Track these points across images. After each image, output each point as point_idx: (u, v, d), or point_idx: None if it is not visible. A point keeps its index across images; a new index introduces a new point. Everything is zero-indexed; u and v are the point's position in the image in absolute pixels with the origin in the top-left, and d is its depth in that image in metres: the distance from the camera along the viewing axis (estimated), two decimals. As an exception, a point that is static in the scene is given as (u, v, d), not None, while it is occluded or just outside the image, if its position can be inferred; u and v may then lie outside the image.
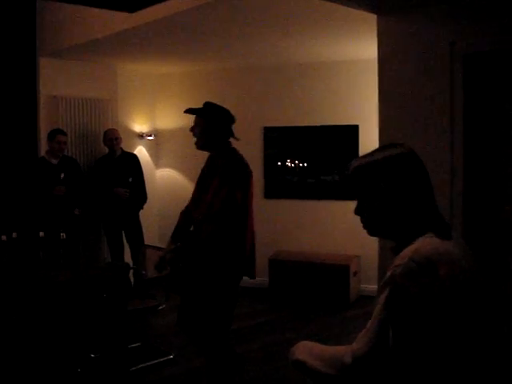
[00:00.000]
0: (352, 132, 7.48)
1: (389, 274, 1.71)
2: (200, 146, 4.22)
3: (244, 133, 8.08)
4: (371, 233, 1.91)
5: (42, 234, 5.02)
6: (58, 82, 7.24)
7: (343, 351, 1.75)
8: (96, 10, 5.55)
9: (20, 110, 6.92)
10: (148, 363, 5.14)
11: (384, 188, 1.81)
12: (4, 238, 4.88)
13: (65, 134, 6.86)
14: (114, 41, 6.24)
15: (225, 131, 4.11)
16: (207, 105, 4.21)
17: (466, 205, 4.07)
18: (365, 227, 1.91)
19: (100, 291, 4.62)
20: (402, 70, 4.32)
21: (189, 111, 4.22)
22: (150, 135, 8.45)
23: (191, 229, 4.20)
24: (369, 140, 7.06)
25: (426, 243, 1.73)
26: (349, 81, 7.52)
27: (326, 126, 7.65)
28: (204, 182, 4.15)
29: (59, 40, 6.68)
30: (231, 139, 4.15)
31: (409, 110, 4.29)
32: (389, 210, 1.82)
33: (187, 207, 4.28)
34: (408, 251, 1.72)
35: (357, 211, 1.90)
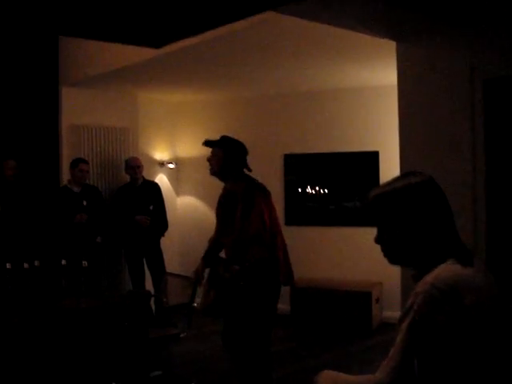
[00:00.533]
0: (372, 158, 7.46)
1: (410, 301, 1.70)
2: (214, 172, 4.56)
3: (265, 160, 8.17)
4: (392, 261, 1.90)
5: (64, 261, 5.03)
6: (80, 111, 7.33)
7: (366, 381, 1.73)
8: (117, 41, 5.64)
9: (43, 139, 7.01)
10: (169, 392, 5.11)
11: (403, 216, 1.80)
12: (26, 265, 4.90)
13: (87, 162, 6.93)
14: (135, 70, 6.32)
15: (240, 162, 4.48)
16: (224, 138, 4.62)
17: (489, 232, 4.03)
18: (385, 255, 1.90)
19: (121, 319, 4.61)
20: (422, 95, 4.31)
21: (207, 144, 4.60)
22: (171, 163, 8.50)
23: (221, 254, 4.61)
24: (389, 166, 7.04)
25: (447, 269, 1.72)
26: (368, 107, 7.52)
27: (346, 153, 7.65)
28: (225, 210, 4.47)
29: (81, 70, 6.78)
30: (245, 170, 4.52)
31: (429, 136, 4.28)
32: (409, 239, 1.82)
33: (215, 235, 4.70)
34: (429, 278, 1.70)
35: (377, 240, 1.89)
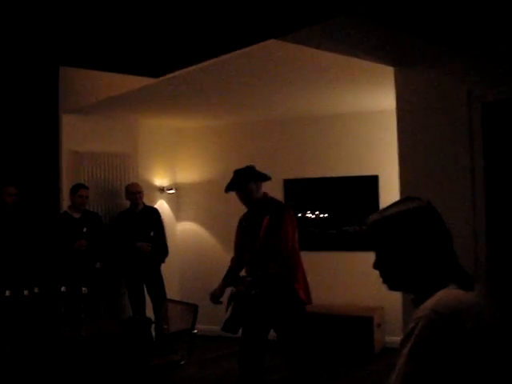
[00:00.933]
0: (372, 182, 7.47)
1: (411, 326, 1.68)
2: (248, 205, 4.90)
3: (264, 185, 8.15)
4: (391, 287, 1.89)
5: (63, 288, 5.01)
6: (80, 138, 7.35)
7: None
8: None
9: (43, 166, 7.02)
10: (170, 420, 5.06)
11: (400, 242, 1.80)
12: (26, 292, 4.88)
13: (86, 188, 6.93)
14: (135, 97, 6.35)
15: (258, 185, 4.84)
16: (237, 174, 4.89)
17: (490, 255, 4.02)
18: (384, 282, 1.89)
19: (122, 346, 4.59)
20: (421, 120, 4.33)
21: (230, 189, 4.90)
22: (171, 189, 8.50)
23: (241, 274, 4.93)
24: (389, 189, 7.05)
25: (448, 294, 1.71)
26: (367, 131, 7.55)
27: (345, 177, 7.66)
28: (251, 230, 4.75)
29: (81, 97, 6.82)
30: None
31: (429, 159, 4.29)
32: (407, 264, 1.81)
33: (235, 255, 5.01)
34: (430, 303, 1.69)
35: (375, 266, 1.89)
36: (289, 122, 8.03)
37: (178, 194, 8.66)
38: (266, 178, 4.91)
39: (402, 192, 4.43)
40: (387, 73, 4.57)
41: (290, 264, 4.66)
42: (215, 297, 4.93)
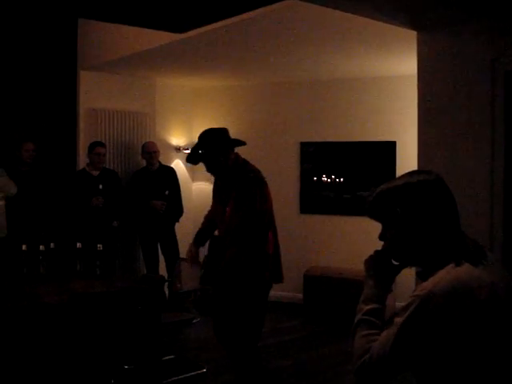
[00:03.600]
0: (389, 148, 7.42)
1: (409, 301, 1.71)
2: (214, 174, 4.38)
3: (281, 147, 8.15)
4: (396, 259, 1.89)
5: (79, 245, 5.06)
6: (98, 95, 7.34)
7: (367, 347, 1.77)
8: (136, 25, 5.62)
9: (60, 122, 7.03)
10: (181, 376, 5.14)
11: (404, 214, 1.79)
12: (42, 247, 4.93)
13: (103, 145, 6.95)
14: (154, 55, 6.31)
15: (226, 152, 4.20)
16: (201, 138, 4.30)
17: (507, 225, 4.00)
18: (389, 254, 1.89)
19: (135, 303, 4.63)
20: (442, 86, 4.27)
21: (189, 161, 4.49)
22: (187, 148, 8.49)
23: (215, 233, 4.47)
24: (406, 156, 7.01)
25: (451, 273, 1.70)
26: (386, 97, 7.48)
27: (363, 142, 7.62)
28: (220, 195, 4.31)
29: (99, 54, 6.78)
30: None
31: (448, 127, 4.24)
32: (409, 237, 1.80)
33: (209, 212, 4.56)
34: (431, 282, 1.70)
35: (381, 237, 1.88)
36: (307, 84, 7.96)
37: (194, 155, 8.64)
38: (234, 143, 4.29)
39: (419, 159, 4.39)
40: (410, 37, 4.50)
41: (263, 239, 4.13)
42: (194, 259, 4.55)
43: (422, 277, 1.78)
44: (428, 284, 1.69)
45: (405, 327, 1.68)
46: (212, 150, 4.21)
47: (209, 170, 4.34)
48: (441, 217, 1.78)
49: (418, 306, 1.67)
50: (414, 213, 1.78)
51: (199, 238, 4.53)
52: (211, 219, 4.50)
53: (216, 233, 4.51)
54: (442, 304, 1.64)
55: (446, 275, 1.69)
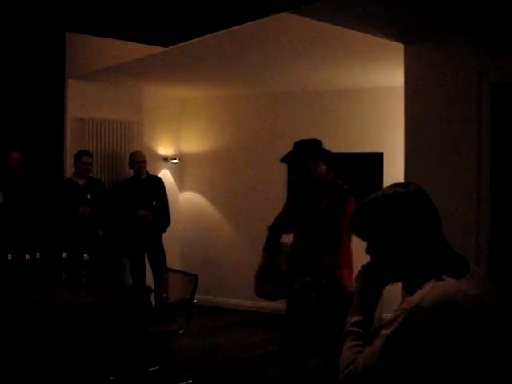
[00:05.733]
0: (376, 159, 7.45)
1: (396, 314, 1.71)
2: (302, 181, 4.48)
3: (267, 159, 8.14)
4: (380, 272, 1.88)
5: (65, 254, 5.03)
6: (86, 104, 7.32)
7: (355, 359, 1.75)
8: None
9: (47, 131, 7.00)
10: (167, 387, 5.11)
11: (384, 228, 1.78)
12: (27, 257, 4.90)
13: (90, 155, 6.92)
14: (141, 65, 6.31)
15: (315, 157, 4.41)
16: (297, 143, 4.55)
17: (492, 236, 4.02)
18: (375, 268, 1.89)
19: (121, 313, 4.62)
20: (429, 99, 4.30)
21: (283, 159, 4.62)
22: (175, 158, 8.49)
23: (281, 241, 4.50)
24: (393, 167, 7.03)
25: (437, 287, 1.69)
26: (374, 108, 7.51)
27: (350, 153, 7.63)
28: (306, 211, 4.34)
29: (87, 63, 6.77)
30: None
31: (435, 138, 4.27)
32: (388, 251, 1.80)
33: (275, 223, 4.55)
34: (418, 295, 1.69)
35: (367, 251, 1.88)
36: (293, 96, 7.98)
37: (182, 164, 8.65)
38: (326, 155, 4.50)
39: (406, 170, 4.42)
40: (397, 49, 4.53)
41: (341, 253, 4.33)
42: (268, 266, 4.48)
43: (408, 291, 1.77)
44: (415, 297, 1.69)
45: (391, 339, 1.68)
46: (303, 152, 4.41)
47: (298, 172, 4.47)
48: (420, 230, 1.76)
49: (404, 319, 1.67)
50: (391, 226, 1.77)
51: (270, 246, 4.50)
52: (276, 227, 4.52)
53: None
54: (429, 317, 1.64)
55: (433, 289, 1.69)
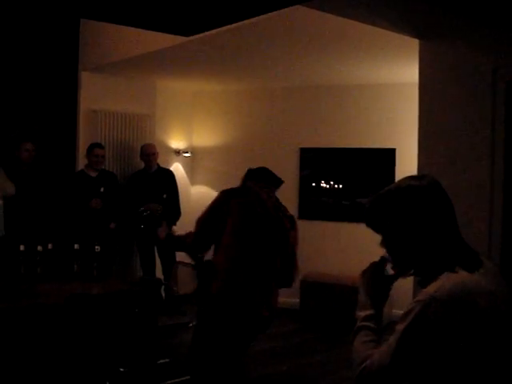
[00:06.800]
0: (389, 155, 7.43)
1: (410, 307, 1.70)
2: None
3: (280, 153, 8.13)
4: (393, 265, 1.88)
5: (77, 246, 5.05)
6: (98, 97, 7.34)
7: (365, 357, 1.75)
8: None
9: (60, 123, 7.03)
10: (176, 380, 5.12)
11: (397, 221, 1.77)
12: (40, 248, 4.92)
13: (102, 147, 6.94)
14: (156, 57, 6.31)
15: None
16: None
17: (505, 233, 4.00)
18: (391, 261, 1.89)
19: (131, 306, 4.63)
20: (443, 95, 4.27)
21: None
22: (187, 152, 8.50)
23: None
24: (406, 163, 7.00)
25: (451, 279, 1.68)
26: (387, 104, 7.49)
27: (362, 149, 7.62)
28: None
29: (101, 55, 6.79)
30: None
31: (448, 135, 4.24)
32: (401, 243, 1.79)
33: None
34: (432, 287, 1.68)
35: (381, 243, 1.87)
36: (308, 90, 7.97)
37: (194, 158, 8.65)
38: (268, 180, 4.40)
39: (418, 166, 4.40)
40: (412, 45, 4.51)
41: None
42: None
43: (422, 284, 1.77)
44: (429, 289, 1.68)
45: (407, 333, 1.66)
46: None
47: None
48: (434, 222, 1.75)
49: (419, 311, 1.65)
50: (404, 218, 1.76)
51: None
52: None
53: None
54: (444, 308, 1.63)
55: (448, 280, 1.68)
